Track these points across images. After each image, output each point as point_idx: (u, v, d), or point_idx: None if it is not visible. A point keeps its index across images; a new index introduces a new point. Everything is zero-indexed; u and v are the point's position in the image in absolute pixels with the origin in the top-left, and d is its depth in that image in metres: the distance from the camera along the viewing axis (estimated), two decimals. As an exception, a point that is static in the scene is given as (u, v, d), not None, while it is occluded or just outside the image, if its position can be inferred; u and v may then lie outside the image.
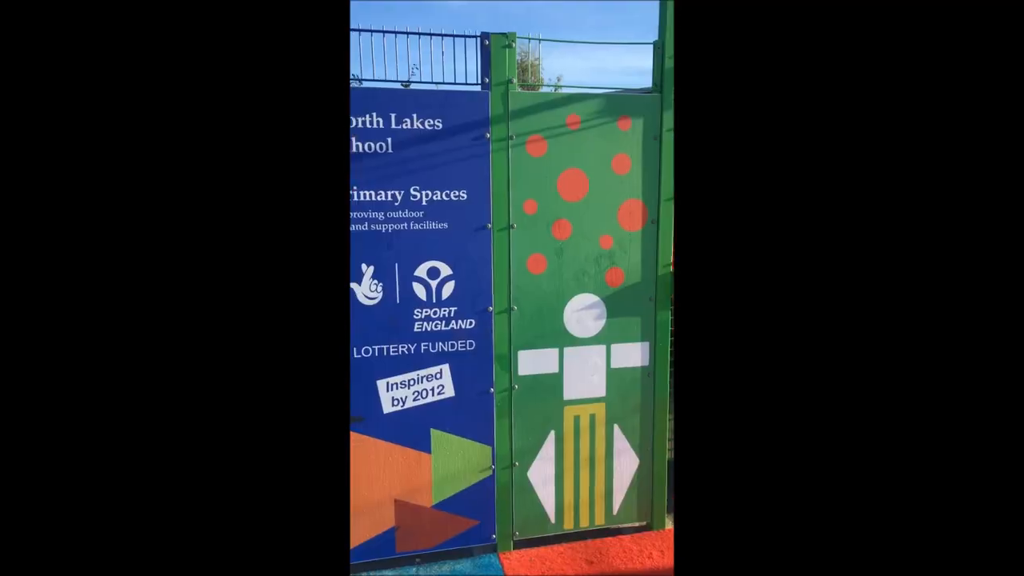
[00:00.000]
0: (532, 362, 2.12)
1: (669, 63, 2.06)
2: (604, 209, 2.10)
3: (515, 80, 1.96)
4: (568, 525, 2.22)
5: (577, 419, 2.18)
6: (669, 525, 2.30)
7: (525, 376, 2.12)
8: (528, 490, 2.17)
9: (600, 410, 2.20)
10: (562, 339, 2.13)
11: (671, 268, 2.17)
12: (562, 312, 2.12)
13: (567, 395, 2.16)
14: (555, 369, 2.14)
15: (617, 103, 2.06)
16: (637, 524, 2.28)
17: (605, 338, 2.17)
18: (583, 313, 2.13)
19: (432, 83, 1.94)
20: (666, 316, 2.20)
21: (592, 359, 2.17)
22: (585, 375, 2.17)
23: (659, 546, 2.17)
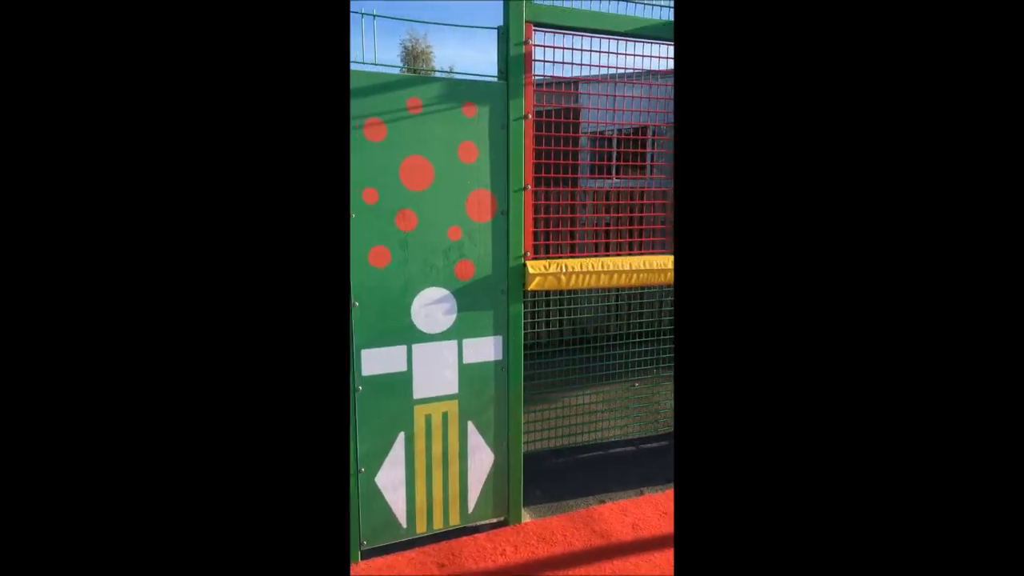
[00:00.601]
0: (377, 361, 2.00)
1: (514, 50, 2.00)
2: (451, 199, 2.01)
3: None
4: (421, 529, 2.13)
5: (428, 418, 2.10)
6: (526, 518, 2.28)
7: (370, 376, 1.99)
8: (376, 496, 2.05)
9: (453, 407, 2.13)
10: (410, 335, 2.03)
11: (522, 260, 2.13)
12: (409, 307, 2.01)
13: (417, 394, 2.07)
14: (403, 367, 2.04)
15: (461, 89, 1.97)
16: (494, 521, 2.25)
17: (456, 333, 2.09)
18: (432, 308, 2.04)
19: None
20: (519, 309, 2.16)
21: (443, 355, 2.09)
22: (436, 372, 2.08)
23: (513, 541, 2.14)
